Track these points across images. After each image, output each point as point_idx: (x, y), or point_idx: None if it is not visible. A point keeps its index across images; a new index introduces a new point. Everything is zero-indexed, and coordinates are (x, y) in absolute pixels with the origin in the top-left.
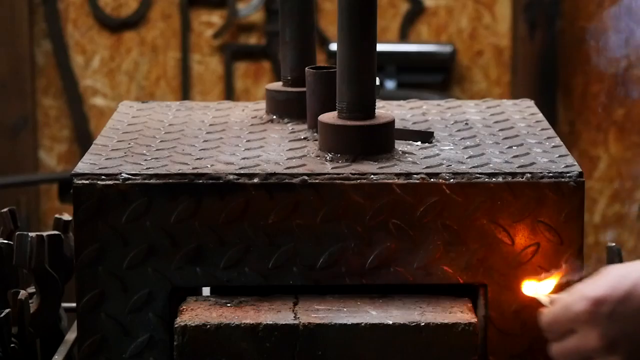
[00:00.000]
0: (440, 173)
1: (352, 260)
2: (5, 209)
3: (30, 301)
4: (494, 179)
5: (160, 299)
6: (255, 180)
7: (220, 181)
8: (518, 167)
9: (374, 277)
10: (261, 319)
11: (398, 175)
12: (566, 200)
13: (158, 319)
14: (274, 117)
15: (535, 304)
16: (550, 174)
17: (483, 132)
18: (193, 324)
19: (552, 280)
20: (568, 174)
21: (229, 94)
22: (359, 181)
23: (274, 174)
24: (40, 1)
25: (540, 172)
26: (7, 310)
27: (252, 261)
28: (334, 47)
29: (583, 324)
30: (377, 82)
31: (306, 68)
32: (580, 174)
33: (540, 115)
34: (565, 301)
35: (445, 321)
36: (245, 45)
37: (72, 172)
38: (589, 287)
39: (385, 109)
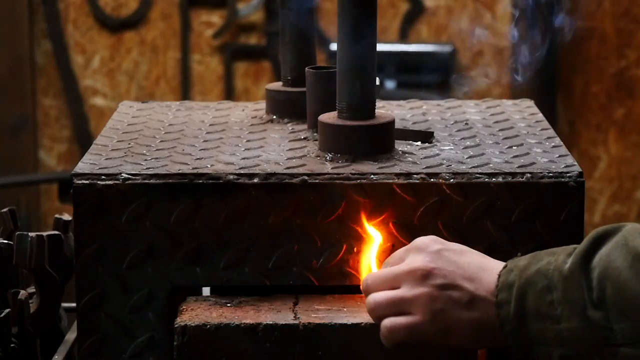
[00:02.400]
0: (440, 173)
1: (353, 260)
2: (5, 209)
3: (30, 301)
4: (494, 179)
5: (160, 299)
6: (255, 180)
7: (220, 181)
8: (518, 167)
9: None
10: (261, 319)
11: (398, 175)
12: (566, 200)
13: (158, 319)
14: (274, 117)
15: None
16: (550, 174)
17: (483, 132)
18: (193, 324)
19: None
20: (568, 174)
21: (229, 94)
22: (359, 181)
23: (274, 174)
24: (40, 1)
25: (540, 172)
26: (7, 310)
27: (252, 261)
28: (334, 47)
29: (414, 249)
30: (377, 82)
31: (306, 68)
32: (580, 174)
33: (540, 115)
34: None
35: None
36: (245, 45)
37: (72, 172)
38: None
39: (385, 109)
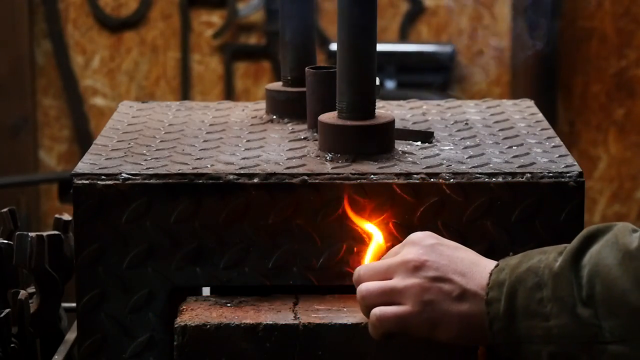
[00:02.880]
0: (440, 173)
1: (352, 260)
2: (5, 209)
3: (30, 301)
4: (494, 179)
5: (160, 299)
6: (255, 180)
7: (220, 181)
8: (518, 167)
9: None
10: (261, 319)
11: (398, 175)
12: (566, 200)
13: (158, 319)
14: (274, 117)
15: None
16: (550, 174)
17: (483, 132)
18: (193, 324)
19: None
20: (568, 174)
21: (229, 94)
22: (359, 181)
23: (274, 174)
24: (40, 1)
25: (540, 172)
26: (7, 310)
27: (252, 261)
28: (334, 47)
29: (409, 243)
30: (377, 82)
31: (306, 68)
32: (580, 174)
33: (540, 115)
34: None
35: None
36: (245, 45)
37: (72, 172)
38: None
39: (385, 109)
